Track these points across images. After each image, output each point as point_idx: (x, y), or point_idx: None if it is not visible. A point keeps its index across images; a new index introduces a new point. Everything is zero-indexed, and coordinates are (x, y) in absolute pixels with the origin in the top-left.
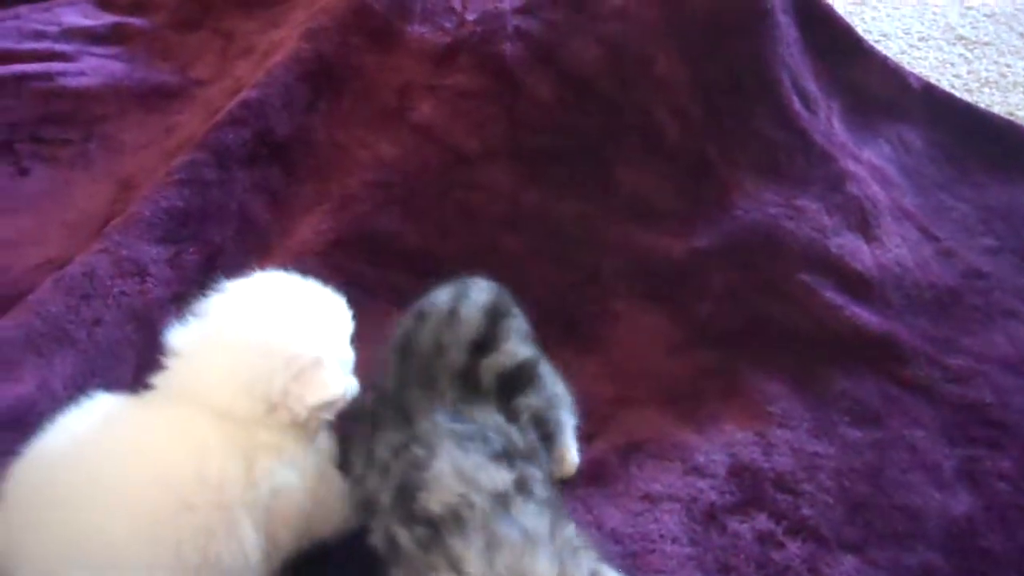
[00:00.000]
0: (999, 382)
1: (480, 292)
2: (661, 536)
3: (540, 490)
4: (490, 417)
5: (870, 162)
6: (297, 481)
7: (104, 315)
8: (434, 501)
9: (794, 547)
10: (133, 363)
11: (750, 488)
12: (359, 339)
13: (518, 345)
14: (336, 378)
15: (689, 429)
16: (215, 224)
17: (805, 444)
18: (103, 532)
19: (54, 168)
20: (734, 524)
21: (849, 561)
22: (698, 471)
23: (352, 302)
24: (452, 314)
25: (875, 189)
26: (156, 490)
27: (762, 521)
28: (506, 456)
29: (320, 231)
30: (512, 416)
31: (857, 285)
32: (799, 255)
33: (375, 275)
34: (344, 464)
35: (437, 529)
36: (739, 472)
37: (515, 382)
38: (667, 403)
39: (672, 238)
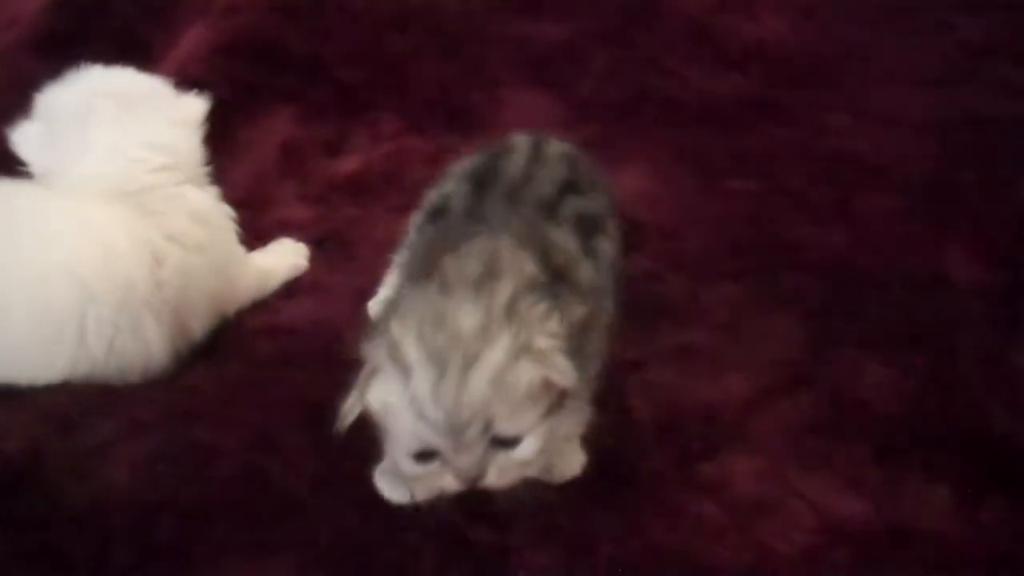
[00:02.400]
0: (875, 133)
1: (559, 142)
2: None
3: None
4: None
5: None
6: (205, 267)
7: None
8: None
9: (675, 280)
10: None
11: (635, 239)
12: (248, 138)
13: (602, 198)
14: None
15: None
16: (97, 43)
17: (688, 198)
18: (4, 316)
19: None
20: None
21: (727, 287)
22: None
23: (237, 103)
24: (537, 151)
25: None
26: (62, 281)
27: (646, 264)
28: None
29: (204, 39)
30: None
31: (737, 58)
32: (679, 31)
33: (260, 79)
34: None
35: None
36: (625, 227)
37: (592, 226)
38: None
39: (554, 24)
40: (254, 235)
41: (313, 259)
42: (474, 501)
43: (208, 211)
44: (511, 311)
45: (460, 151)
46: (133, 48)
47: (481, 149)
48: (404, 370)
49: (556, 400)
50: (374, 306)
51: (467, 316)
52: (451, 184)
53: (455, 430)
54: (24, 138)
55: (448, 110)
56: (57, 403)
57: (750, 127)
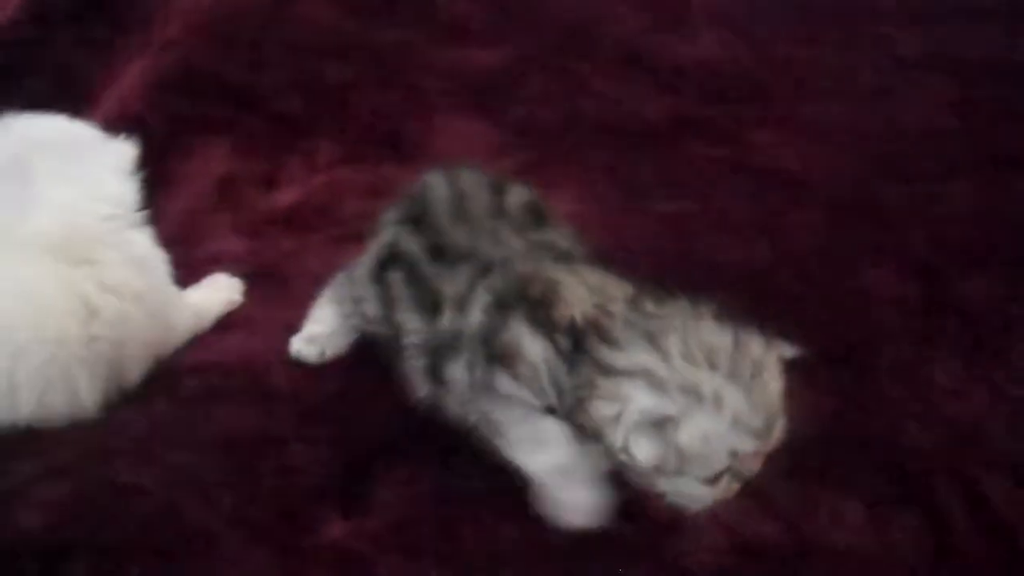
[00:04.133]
0: (804, 149)
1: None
2: None
3: None
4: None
5: None
6: (143, 315)
7: None
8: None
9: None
10: None
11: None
12: (184, 171)
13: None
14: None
15: None
16: (37, 78)
17: (617, 219)
18: None
19: None
20: None
21: None
22: None
23: (174, 138)
24: (452, 177)
25: None
26: None
27: None
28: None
29: (143, 74)
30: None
31: (668, 78)
32: (612, 54)
33: (197, 112)
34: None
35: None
36: None
37: (540, 214)
38: None
39: (490, 51)
40: (188, 270)
41: (247, 293)
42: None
43: (146, 257)
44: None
45: (396, 180)
46: (73, 83)
47: (404, 195)
48: (705, 400)
49: None
50: (297, 343)
51: (721, 335)
52: (391, 231)
53: (769, 429)
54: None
55: (384, 139)
56: None
57: (680, 147)
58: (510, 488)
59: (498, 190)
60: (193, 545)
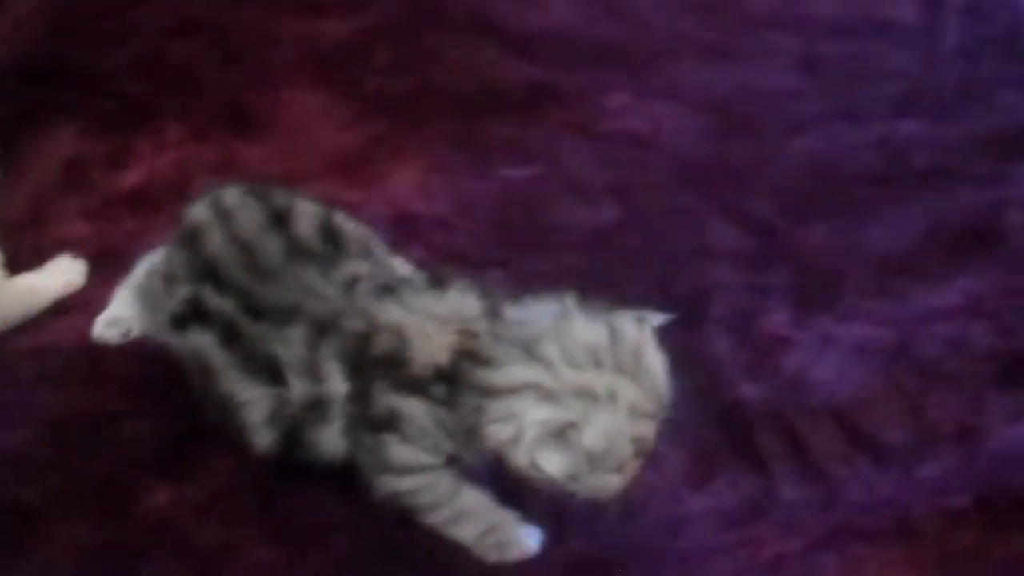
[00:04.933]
0: (653, 111)
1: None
2: None
3: None
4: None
5: None
6: None
7: None
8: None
9: (446, 270)
10: None
11: (409, 230)
12: (30, 157)
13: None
14: None
15: (356, 191)
16: None
17: (463, 186)
18: None
19: None
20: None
21: (495, 273)
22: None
23: (19, 122)
24: (225, 218)
25: None
26: None
27: (419, 254)
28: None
29: None
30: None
31: (521, 44)
32: (462, 22)
33: (42, 96)
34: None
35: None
36: (399, 219)
37: (333, 233)
38: (336, 172)
39: (337, 21)
40: (35, 255)
41: (90, 275)
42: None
43: None
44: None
45: (244, 155)
46: None
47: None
48: (600, 399)
49: None
50: (99, 326)
51: (595, 329)
52: (184, 290)
53: (662, 405)
54: None
55: (233, 115)
56: None
57: (531, 113)
58: (350, 474)
59: (280, 220)
60: (9, 521)
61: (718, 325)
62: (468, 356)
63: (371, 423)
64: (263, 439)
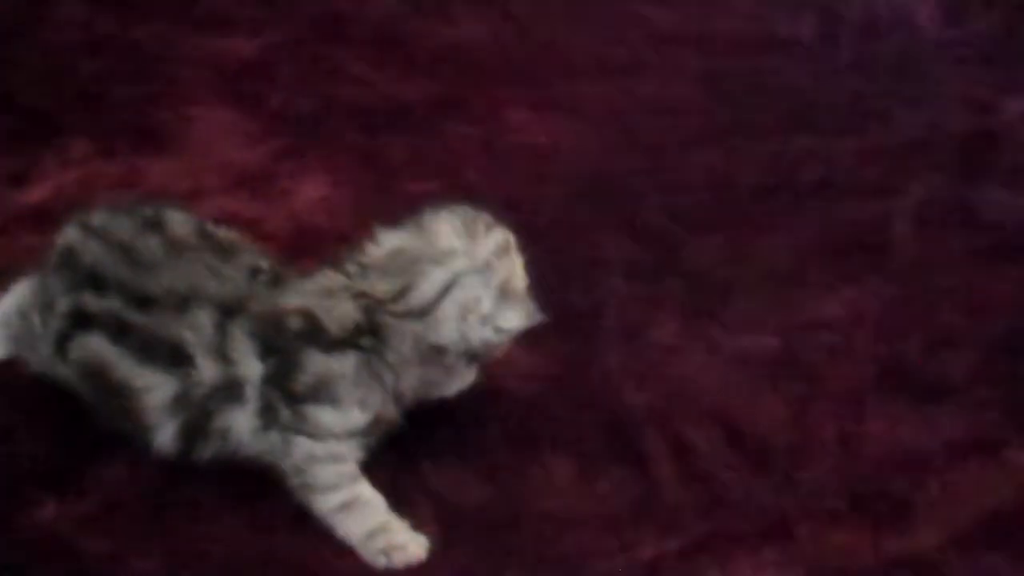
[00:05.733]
0: (555, 126)
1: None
2: None
3: None
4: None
5: None
6: None
7: None
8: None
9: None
10: None
11: (312, 244)
12: None
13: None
14: None
15: (259, 206)
16: None
17: (367, 202)
18: None
19: None
20: None
21: None
22: (263, 237)
23: None
24: (96, 232)
25: None
26: None
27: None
28: None
29: None
30: None
31: (426, 61)
32: (367, 39)
33: None
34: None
35: None
36: (301, 234)
37: (209, 236)
38: (240, 188)
39: (244, 40)
40: None
41: None
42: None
43: None
44: None
45: (149, 171)
46: None
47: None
48: (507, 248)
49: None
50: None
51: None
52: (64, 301)
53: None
54: None
55: (139, 131)
56: None
57: (434, 127)
58: (233, 485)
59: (154, 225)
60: None
61: (608, 336)
62: (378, 303)
63: (293, 397)
64: (164, 432)
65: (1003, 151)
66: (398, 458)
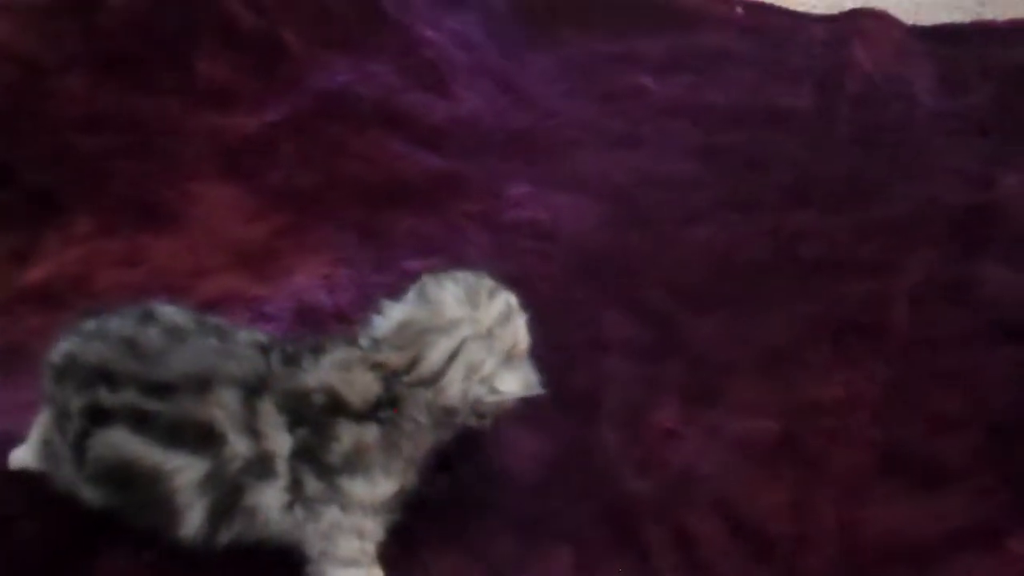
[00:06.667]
0: (554, 200)
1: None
2: None
3: None
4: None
5: (452, 28)
6: None
7: None
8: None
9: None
10: None
11: (312, 324)
12: None
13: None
14: None
15: (261, 285)
16: None
17: (367, 278)
18: None
19: None
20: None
21: None
22: (265, 317)
23: None
24: (90, 334)
25: (454, 52)
26: None
27: None
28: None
29: None
30: None
31: (427, 136)
32: (368, 114)
33: None
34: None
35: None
36: (304, 313)
37: (200, 319)
38: (242, 266)
39: (246, 117)
40: None
41: None
42: None
43: None
44: None
45: (152, 249)
46: None
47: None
48: (512, 312)
49: None
50: (18, 455)
51: (448, 284)
52: (74, 402)
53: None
54: None
55: (141, 208)
56: None
57: (435, 204)
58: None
59: (148, 318)
60: None
61: (609, 419)
62: (393, 374)
63: (326, 469)
64: (193, 513)
65: (1000, 225)
66: (399, 547)
